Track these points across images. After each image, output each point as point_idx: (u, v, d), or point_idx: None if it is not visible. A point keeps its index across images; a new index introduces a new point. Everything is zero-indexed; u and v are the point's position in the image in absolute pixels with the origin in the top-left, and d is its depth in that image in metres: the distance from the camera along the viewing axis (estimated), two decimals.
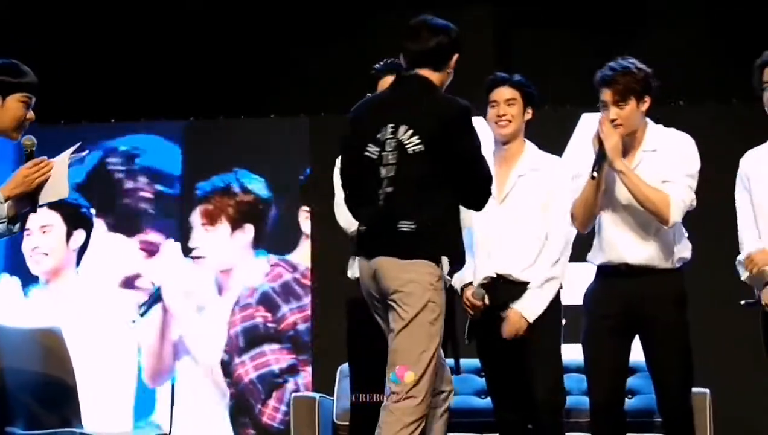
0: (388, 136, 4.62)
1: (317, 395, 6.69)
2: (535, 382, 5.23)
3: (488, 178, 4.66)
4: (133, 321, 5.12)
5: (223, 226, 4.95)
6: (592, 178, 4.91)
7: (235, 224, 4.95)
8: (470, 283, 5.36)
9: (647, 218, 5.01)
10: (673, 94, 7.40)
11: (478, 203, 4.73)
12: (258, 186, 5.10)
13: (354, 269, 5.18)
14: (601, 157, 4.92)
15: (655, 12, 7.88)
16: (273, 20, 8.25)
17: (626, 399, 6.28)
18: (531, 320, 5.24)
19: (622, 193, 5.02)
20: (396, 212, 4.58)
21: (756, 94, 4.84)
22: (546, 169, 5.38)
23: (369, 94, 5.17)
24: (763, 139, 4.99)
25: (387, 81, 5.12)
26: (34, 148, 4.46)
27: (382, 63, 5.28)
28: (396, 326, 4.54)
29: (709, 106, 7.63)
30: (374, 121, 4.68)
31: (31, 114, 4.47)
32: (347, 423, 5.31)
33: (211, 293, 5.09)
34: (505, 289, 5.30)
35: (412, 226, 4.54)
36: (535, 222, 5.30)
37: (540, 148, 5.49)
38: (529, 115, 5.39)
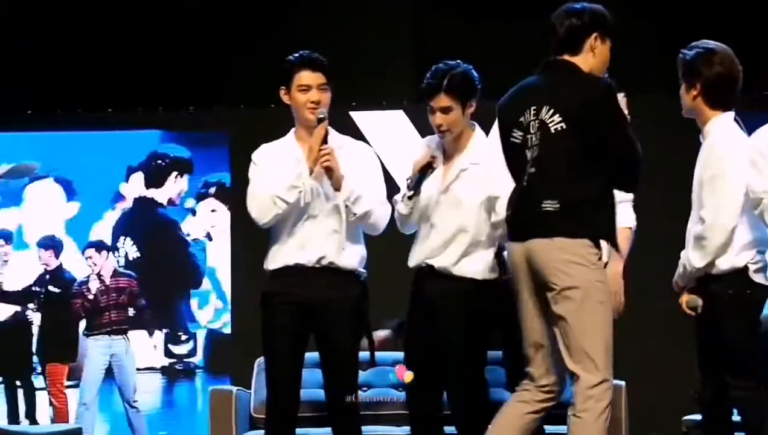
0: (531, 119, 4.51)
1: (234, 388, 6.66)
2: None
3: (634, 158, 4.47)
4: None
5: None
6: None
7: None
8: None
9: None
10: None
11: (626, 184, 4.58)
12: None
13: (268, 261, 5.13)
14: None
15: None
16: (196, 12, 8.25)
17: None
18: None
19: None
20: (539, 192, 4.45)
21: None
22: (484, 162, 5.13)
23: (282, 87, 5.11)
24: (684, 132, 5.06)
25: (303, 76, 5.06)
26: None
27: (297, 55, 5.14)
28: (562, 311, 4.38)
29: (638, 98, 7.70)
30: (517, 107, 4.58)
31: None
32: (264, 416, 5.28)
33: None
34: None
35: (556, 206, 4.40)
36: (473, 216, 5.10)
37: None
38: (471, 109, 5.15)
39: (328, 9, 8.54)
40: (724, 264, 4.82)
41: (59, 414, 9.39)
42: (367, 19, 8.48)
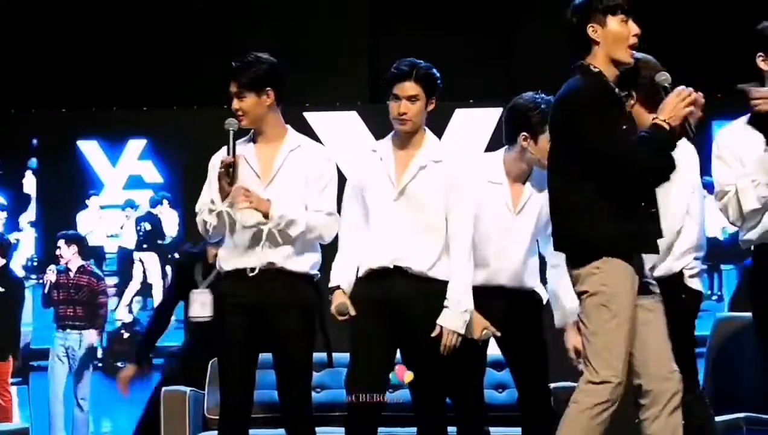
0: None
1: (188, 389, 6.60)
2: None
3: (623, 166, 4.27)
4: None
5: None
6: None
7: None
8: (338, 287, 5.08)
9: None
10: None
11: (623, 191, 4.32)
12: None
13: (220, 263, 5.12)
14: None
15: (526, 6, 8.00)
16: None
17: (497, 393, 6.37)
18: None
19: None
20: (550, 209, 4.47)
21: None
22: (448, 161, 5.07)
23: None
24: None
25: (230, 84, 5.01)
26: None
27: (238, 62, 5.07)
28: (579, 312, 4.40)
29: None
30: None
31: None
32: (217, 417, 5.26)
33: None
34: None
35: (555, 221, 4.43)
36: (436, 215, 5.01)
37: None
38: (432, 106, 5.06)
39: (282, 9, 8.52)
40: (660, 268, 4.83)
41: (3, 412, 9.33)
42: (320, 19, 8.47)
